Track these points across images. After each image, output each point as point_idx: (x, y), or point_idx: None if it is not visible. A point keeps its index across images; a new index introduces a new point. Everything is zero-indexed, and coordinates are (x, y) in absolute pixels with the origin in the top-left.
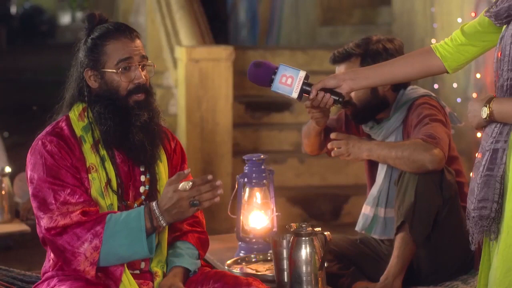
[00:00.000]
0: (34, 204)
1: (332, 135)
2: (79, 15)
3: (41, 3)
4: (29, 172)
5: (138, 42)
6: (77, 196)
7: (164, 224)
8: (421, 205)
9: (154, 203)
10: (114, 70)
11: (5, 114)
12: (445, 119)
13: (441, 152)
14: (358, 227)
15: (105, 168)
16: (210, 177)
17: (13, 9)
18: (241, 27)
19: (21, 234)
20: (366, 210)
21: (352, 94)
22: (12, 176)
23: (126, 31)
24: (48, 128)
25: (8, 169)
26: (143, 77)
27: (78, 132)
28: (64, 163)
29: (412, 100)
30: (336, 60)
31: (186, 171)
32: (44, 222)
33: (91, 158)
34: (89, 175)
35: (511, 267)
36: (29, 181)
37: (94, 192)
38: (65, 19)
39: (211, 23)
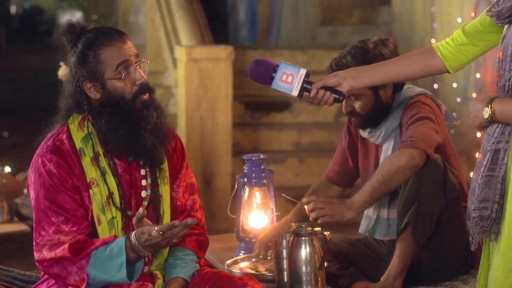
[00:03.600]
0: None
1: (311, 198)
2: (79, 15)
3: (41, 3)
4: (30, 191)
5: (129, 42)
6: (70, 225)
7: (147, 254)
8: (424, 207)
9: (133, 237)
10: (116, 77)
11: (5, 114)
12: (435, 115)
13: (416, 149)
14: (361, 230)
15: (106, 182)
16: (176, 222)
17: (13, 9)
18: (241, 27)
19: (21, 234)
20: (369, 212)
21: (357, 105)
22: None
23: (116, 35)
24: (49, 142)
25: (8, 169)
26: (144, 77)
27: (78, 144)
28: (63, 184)
29: (407, 99)
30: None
31: (140, 211)
32: (35, 254)
33: (92, 173)
34: (90, 191)
35: None
36: (31, 200)
37: (95, 207)
38: (65, 19)
39: (211, 23)
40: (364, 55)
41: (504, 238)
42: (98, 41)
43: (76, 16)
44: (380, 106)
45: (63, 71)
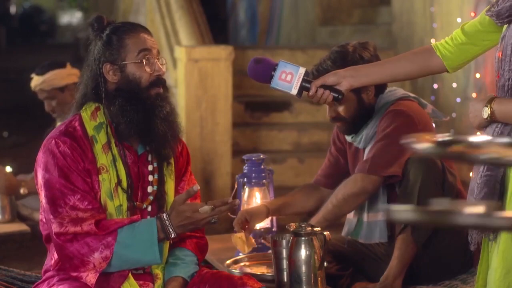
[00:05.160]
0: (44, 203)
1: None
2: (79, 15)
3: (41, 3)
4: (40, 171)
5: (153, 38)
6: (86, 203)
7: (174, 236)
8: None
9: (165, 217)
10: (137, 61)
11: (5, 114)
12: (412, 123)
13: (371, 175)
14: (344, 232)
15: (116, 168)
16: (229, 200)
17: (13, 9)
18: (241, 26)
19: (21, 234)
20: (350, 215)
21: (341, 110)
22: None
23: (142, 27)
24: (61, 127)
25: (9, 169)
26: (163, 70)
27: (90, 131)
28: (76, 166)
29: (389, 104)
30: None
31: (195, 188)
32: (54, 227)
33: (102, 159)
34: (99, 176)
35: (511, 268)
36: (41, 180)
37: (103, 193)
38: (64, 19)
39: (210, 23)
40: (344, 59)
41: (503, 238)
42: (125, 28)
43: (76, 16)
44: (363, 109)
45: (34, 82)
